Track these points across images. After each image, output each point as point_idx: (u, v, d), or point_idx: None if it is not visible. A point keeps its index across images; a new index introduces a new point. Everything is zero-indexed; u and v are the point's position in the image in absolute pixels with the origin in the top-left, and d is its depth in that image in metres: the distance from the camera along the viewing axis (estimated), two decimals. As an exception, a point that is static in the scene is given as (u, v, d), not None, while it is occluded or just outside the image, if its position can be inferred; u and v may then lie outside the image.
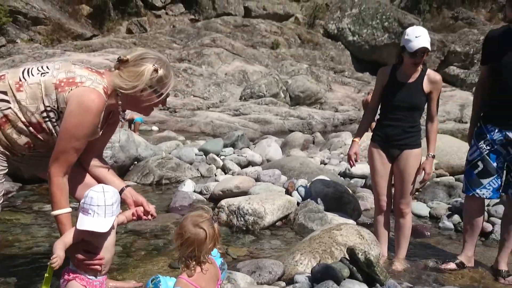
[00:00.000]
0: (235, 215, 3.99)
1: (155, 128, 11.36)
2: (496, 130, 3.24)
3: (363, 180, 5.70)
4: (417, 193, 5.33)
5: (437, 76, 3.37)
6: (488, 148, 3.28)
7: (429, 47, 3.20)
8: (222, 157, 6.56)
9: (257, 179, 5.09)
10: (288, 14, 21.26)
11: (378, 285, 2.64)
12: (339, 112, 14.66)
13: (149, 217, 2.59)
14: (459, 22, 20.65)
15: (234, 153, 6.80)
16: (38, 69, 2.31)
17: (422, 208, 4.90)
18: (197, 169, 6.00)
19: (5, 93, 2.24)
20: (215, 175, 5.76)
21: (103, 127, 2.46)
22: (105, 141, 2.70)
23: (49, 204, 4.34)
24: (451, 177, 5.68)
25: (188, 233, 1.94)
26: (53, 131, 2.31)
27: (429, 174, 3.38)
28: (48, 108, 2.26)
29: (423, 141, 3.51)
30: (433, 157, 3.40)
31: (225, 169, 6.03)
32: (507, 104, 3.18)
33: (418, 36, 3.19)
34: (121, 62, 2.36)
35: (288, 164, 5.63)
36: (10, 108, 2.23)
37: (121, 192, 2.57)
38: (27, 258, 3.17)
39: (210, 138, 8.80)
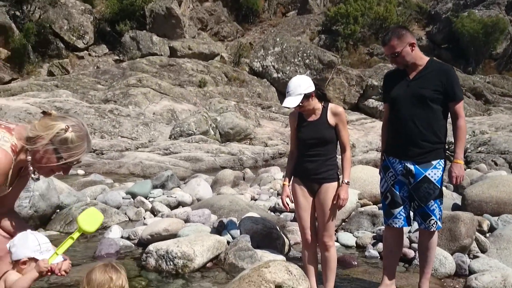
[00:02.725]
0: (164, 260, 3.91)
1: (81, 172, 10.92)
2: (397, 162, 3.49)
3: (293, 214, 5.80)
4: (343, 223, 5.52)
5: (339, 109, 3.58)
6: (393, 179, 3.51)
7: (292, 104, 3.41)
8: (150, 199, 6.42)
9: (187, 220, 5.03)
10: (213, 53, 21.63)
11: (306, 320, 2.68)
12: (268, 147, 14.93)
13: (63, 273, 2.47)
14: (375, 57, 22.09)
15: (163, 194, 6.68)
16: None
17: (348, 238, 5.06)
18: (125, 213, 5.83)
19: None
20: (144, 218, 5.62)
21: (13, 183, 2.35)
22: (16, 194, 2.56)
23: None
24: (374, 206, 5.94)
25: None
26: None
27: (343, 200, 3.50)
28: None
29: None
30: (348, 183, 3.53)
31: (154, 212, 5.91)
32: (400, 137, 3.46)
33: (288, 92, 3.44)
34: (45, 114, 2.34)
35: (217, 203, 5.62)
36: None
37: None
38: None
39: (140, 180, 8.60)
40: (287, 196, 3.70)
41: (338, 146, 3.63)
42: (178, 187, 7.36)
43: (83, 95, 16.23)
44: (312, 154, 3.54)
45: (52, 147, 2.27)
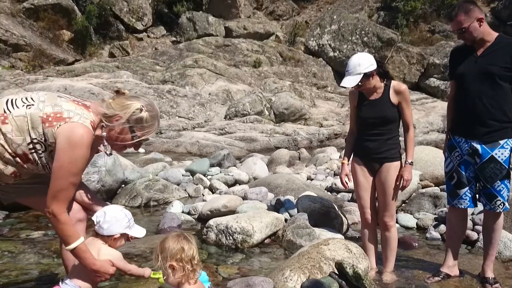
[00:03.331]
0: (223, 234, 4.01)
1: (141, 150, 11.34)
2: (463, 141, 3.37)
3: (350, 195, 5.76)
4: (403, 204, 5.41)
5: (402, 87, 3.47)
6: (458, 159, 3.40)
7: (350, 84, 3.32)
8: (209, 177, 6.58)
9: (244, 198, 5.12)
10: (268, 32, 21.50)
11: (367, 297, 2.68)
12: (324, 127, 14.77)
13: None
14: (436, 35, 21.06)
15: (220, 172, 6.83)
16: (22, 101, 2.31)
17: (409, 220, 4.97)
18: (185, 190, 6.01)
19: None
20: (203, 195, 5.77)
21: None
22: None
23: (37, 231, 4.34)
24: (436, 187, 5.78)
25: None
26: (39, 162, 2.33)
27: (407, 181, 3.44)
28: (35, 141, 2.27)
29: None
30: (411, 164, 3.46)
31: (212, 189, 6.05)
32: (466, 115, 3.33)
33: (347, 71, 3.36)
34: (118, 93, 2.46)
35: (274, 181, 5.67)
36: None
37: None
38: (15, 286, 3.14)
39: (196, 158, 8.82)
40: (346, 175, 3.68)
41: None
42: (234, 166, 7.48)
43: (143, 76, 16.69)
44: (373, 133, 3.48)
45: (128, 125, 2.40)
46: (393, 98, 3.43)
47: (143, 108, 2.41)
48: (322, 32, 20.29)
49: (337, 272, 2.86)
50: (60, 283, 2.38)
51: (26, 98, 2.33)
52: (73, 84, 13.90)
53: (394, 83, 3.48)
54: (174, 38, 21.40)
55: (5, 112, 2.26)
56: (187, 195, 5.92)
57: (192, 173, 6.58)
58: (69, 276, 2.41)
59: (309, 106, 16.51)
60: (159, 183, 5.72)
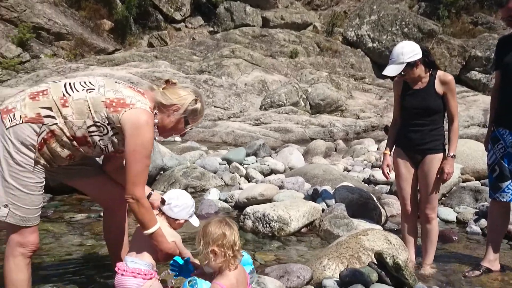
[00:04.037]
0: (260, 222, 4.04)
1: (178, 139, 11.50)
2: (507, 133, 3.27)
3: (388, 187, 5.67)
4: (443, 198, 5.29)
5: (448, 77, 3.37)
6: (502, 151, 3.29)
7: (392, 73, 3.26)
8: (245, 165, 6.62)
9: (281, 187, 5.12)
10: (306, 23, 21.30)
11: (407, 288, 2.64)
12: (360, 119, 14.58)
13: None
14: (479, 27, 20.33)
15: (256, 161, 6.85)
16: (81, 84, 2.36)
17: (449, 213, 4.86)
18: (221, 178, 6.06)
19: (50, 108, 2.28)
20: (239, 184, 5.81)
21: None
22: None
23: (80, 214, 4.46)
24: (477, 181, 5.63)
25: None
26: (97, 144, 2.39)
27: (448, 174, 3.35)
28: (98, 124, 2.33)
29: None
30: (453, 157, 3.37)
31: (248, 178, 6.08)
32: (511, 106, 3.21)
33: (391, 59, 3.30)
34: (169, 83, 2.52)
35: (311, 171, 5.64)
36: (56, 123, 2.28)
37: (148, 196, 2.70)
38: (60, 266, 3.25)
39: (231, 148, 8.88)
40: (388, 166, 3.62)
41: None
42: (269, 156, 7.49)
43: (180, 66, 16.86)
44: (417, 123, 3.41)
45: (183, 116, 2.46)
46: (439, 88, 3.35)
47: (197, 99, 2.49)
48: (361, 23, 19.94)
49: (376, 262, 2.83)
50: (124, 262, 2.45)
51: (85, 82, 2.38)
52: (113, 73, 14.19)
53: (440, 73, 3.39)
54: (211, 29, 21.50)
55: (64, 95, 2.31)
56: (224, 183, 5.97)
57: (229, 161, 6.63)
58: (133, 255, 2.47)
59: (346, 97, 16.30)
60: (196, 171, 5.79)
